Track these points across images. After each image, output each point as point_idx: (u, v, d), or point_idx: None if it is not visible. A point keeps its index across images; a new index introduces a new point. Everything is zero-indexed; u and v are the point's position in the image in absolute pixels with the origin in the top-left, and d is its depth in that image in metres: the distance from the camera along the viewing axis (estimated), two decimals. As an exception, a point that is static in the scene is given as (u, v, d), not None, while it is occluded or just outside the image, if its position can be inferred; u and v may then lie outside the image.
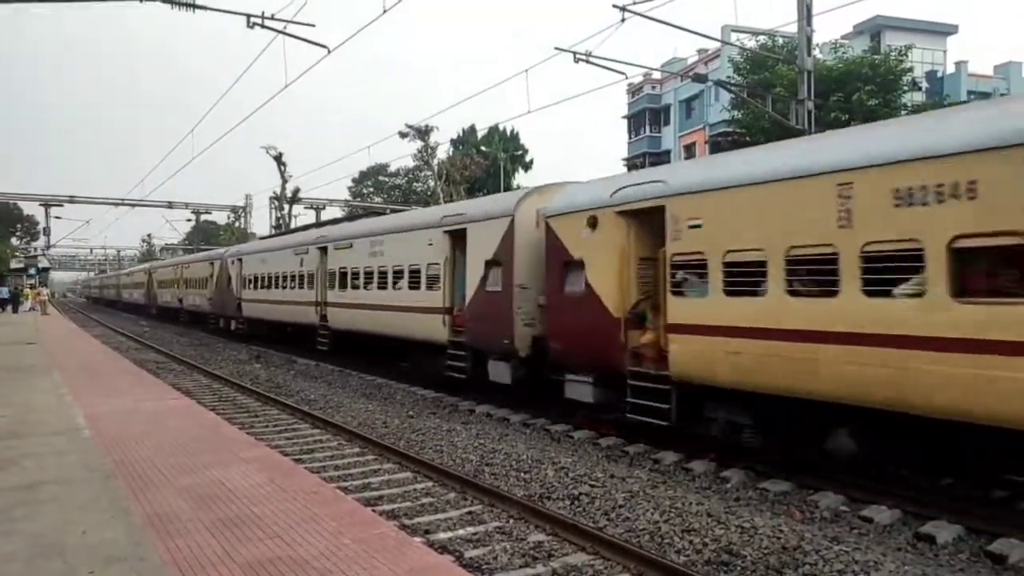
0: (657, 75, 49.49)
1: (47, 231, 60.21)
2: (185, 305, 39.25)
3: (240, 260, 29.27)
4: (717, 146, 37.33)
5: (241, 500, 6.32)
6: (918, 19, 45.33)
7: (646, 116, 55.08)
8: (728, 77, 32.49)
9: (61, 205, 54.91)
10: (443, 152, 54.70)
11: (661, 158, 49.18)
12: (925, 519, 7.12)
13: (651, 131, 54.73)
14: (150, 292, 50.59)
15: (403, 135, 47.98)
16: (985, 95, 38.01)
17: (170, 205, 55.06)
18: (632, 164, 50.99)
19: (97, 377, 15.35)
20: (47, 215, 56.71)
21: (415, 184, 68.66)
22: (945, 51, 47.17)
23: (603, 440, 10.88)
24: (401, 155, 69.24)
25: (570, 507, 7.59)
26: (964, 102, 28.24)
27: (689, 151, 48.96)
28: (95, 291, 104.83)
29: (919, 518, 7.19)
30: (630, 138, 57.13)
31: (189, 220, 65.02)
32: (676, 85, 51.36)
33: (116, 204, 54.08)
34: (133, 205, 53.57)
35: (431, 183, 56.76)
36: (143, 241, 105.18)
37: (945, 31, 47.54)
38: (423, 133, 47.95)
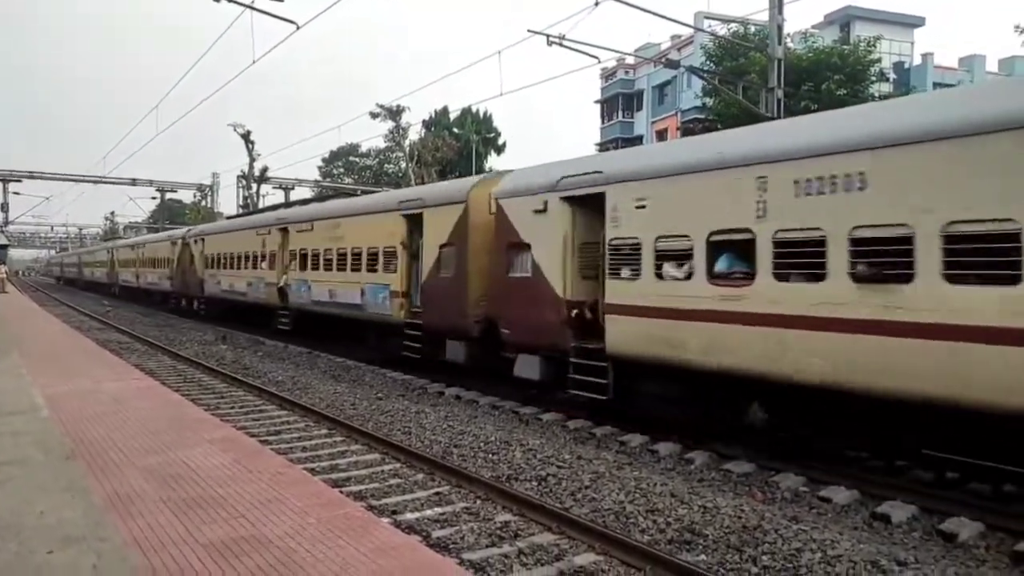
0: (630, 60, 49.50)
1: (5, 207, 58.33)
2: (297, 301, 20.64)
3: (627, 184, 10.16)
4: (689, 132, 37.50)
5: (205, 481, 6.26)
6: (887, 11, 45.91)
7: (619, 101, 55.13)
8: (701, 64, 32.62)
9: (20, 181, 53.34)
10: (415, 133, 54.29)
11: (634, 144, 49.32)
12: (881, 499, 7.32)
13: (624, 116, 54.81)
14: (185, 275, 31.53)
15: (374, 115, 47.47)
16: (950, 87, 38.70)
17: (133, 182, 53.76)
18: (605, 149, 51.05)
19: (57, 357, 15.02)
20: (5, 191, 54.94)
21: (387, 165, 68.02)
22: (912, 43, 47.92)
23: (571, 422, 10.97)
24: (372, 136, 68.43)
25: (537, 488, 7.65)
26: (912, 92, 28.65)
27: (661, 137, 49.17)
28: (70, 270, 76.97)
29: (875, 498, 7.39)
30: (603, 123, 57.19)
31: (154, 198, 63.67)
32: (649, 71, 51.44)
33: (77, 180, 52.76)
34: (95, 182, 52.29)
35: (403, 164, 56.27)
36: (106, 219, 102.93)
37: (913, 23, 48.27)
38: (394, 113, 47.47)
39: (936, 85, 40.64)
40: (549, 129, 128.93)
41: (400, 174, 58.42)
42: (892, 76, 41.08)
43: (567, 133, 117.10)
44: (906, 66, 45.24)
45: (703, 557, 5.90)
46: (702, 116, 35.93)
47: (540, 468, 8.26)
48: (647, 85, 53.17)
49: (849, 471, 8.16)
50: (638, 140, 51.61)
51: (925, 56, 45.94)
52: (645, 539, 6.21)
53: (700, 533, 6.30)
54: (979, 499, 7.17)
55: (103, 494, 5.85)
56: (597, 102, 57.92)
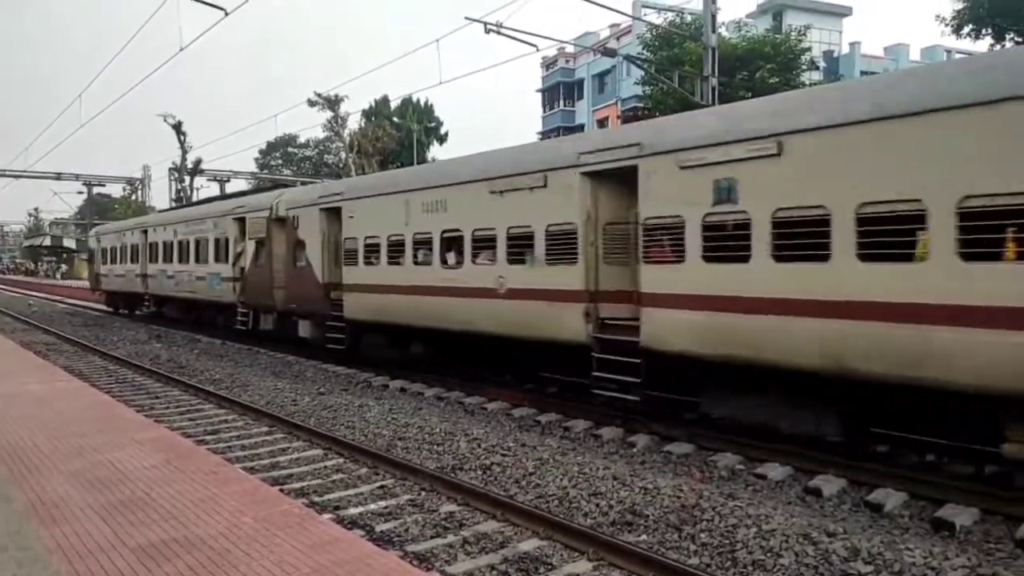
0: (570, 49, 49.74)
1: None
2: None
3: None
4: (630, 120, 37.88)
5: (135, 483, 6.03)
6: (817, 0, 47.34)
7: (560, 90, 55.38)
8: (638, 53, 32.97)
9: (-68, 176, 50.35)
10: (354, 123, 53.30)
11: (575, 132, 49.64)
12: (813, 474, 7.58)
13: (565, 105, 55.09)
14: (278, 278, 17.50)
15: (312, 104, 46.38)
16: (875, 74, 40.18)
17: (58, 176, 51.34)
18: (546, 138, 51.19)
19: (-24, 360, 14.27)
20: (-84, 187, 51.92)
21: (326, 156, 66.74)
22: (841, 32, 49.58)
23: (516, 411, 10.99)
24: (310, 125, 67.00)
25: (482, 477, 7.65)
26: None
27: (602, 125, 49.58)
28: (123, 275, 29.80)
29: (808, 473, 7.64)
30: (544, 112, 57.37)
31: (80, 193, 60.85)
32: (589, 60, 51.80)
33: (-3, 175, 50.07)
34: (16, 176, 49.74)
35: (343, 155, 55.25)
36: (30, 215, 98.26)
37: (841, 12, 49.90)
38: (333, 103, 46.49)
39: (863, 73, 42.08)
40: (490, 119, 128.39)
41: (340, 164, 57.35)
42: (822, 65, 42.39)
43: (509, 123, 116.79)
44: (835, 55, 46.77)
45: (644, 537, 6.00)
46: (641, 105, 36.35)
47: (485, 457, 8.26)
48: (587, 74, 53.55)
49: (784, 448, 8.40)
50: (579, 129, 51.96)
51: (853, 45, 47.57)
52: (588, 522, 6.28)
53: (641, 514, 6.41)
54: (904, 470, 7.49)
55: (25, 500, 5.57)
56: (539, 91, 58.05)
